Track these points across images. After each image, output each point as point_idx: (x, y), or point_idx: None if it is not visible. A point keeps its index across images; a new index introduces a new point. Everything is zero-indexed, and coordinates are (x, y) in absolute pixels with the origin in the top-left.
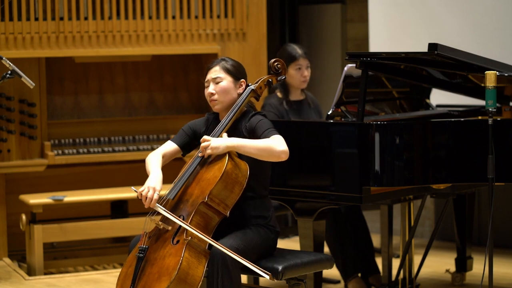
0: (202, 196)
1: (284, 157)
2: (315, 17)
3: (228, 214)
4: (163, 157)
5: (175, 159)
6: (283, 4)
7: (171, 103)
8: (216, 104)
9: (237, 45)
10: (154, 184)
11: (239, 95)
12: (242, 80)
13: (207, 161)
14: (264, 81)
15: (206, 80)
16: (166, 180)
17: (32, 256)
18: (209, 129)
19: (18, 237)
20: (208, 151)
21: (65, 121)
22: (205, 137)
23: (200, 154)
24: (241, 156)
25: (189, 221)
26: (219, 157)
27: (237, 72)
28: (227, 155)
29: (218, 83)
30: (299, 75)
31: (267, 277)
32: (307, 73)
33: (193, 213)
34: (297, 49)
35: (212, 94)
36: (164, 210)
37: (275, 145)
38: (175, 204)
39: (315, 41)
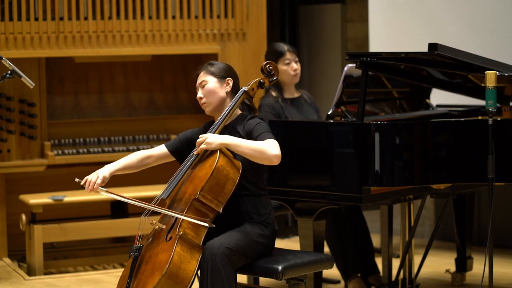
0: (194, 193)
1: (276, 162)
2: (315, 17)
3: (221, 211)
4: (149, 157)
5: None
6: (283, 4)
7: (171, 103)
8: (206, 107)
9: (237, 45)
10: (100, 171)
11: (228, 93)
12: (228, 78)
13: (200, 160)
14: (256, 83)
15: (196, 86)
16: (160, 180)
17: (32, 256)
18: (206, 131)
19: (18, 237)
20: (203, 146)
21: (65, 121)
22: (201, 135)
23: (195, 152)
24: (235, 155)
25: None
26: (211, 155)
27: (220, 72)
28: (218, 152)
29: (204, 86)
30: (289, 69)
31: (206, 224)
32: (296, 66)
33: (186, 210)
34: (282, 45)
35: (201, 98)
36: (108, 192)
37: (268, 148)
38: (169, 203)
39: (315, 41)
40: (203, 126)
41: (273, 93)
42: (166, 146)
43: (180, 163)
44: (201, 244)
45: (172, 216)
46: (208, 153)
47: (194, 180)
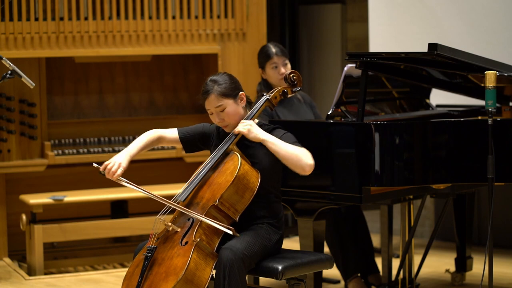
0: (213, 199)
1: (308, 171)
2: (315, 17)
3: (237, 219)
4: (161, 137)
5: (175, 158)
6: (283, 4)
7: (171, 103)
8: (229, 128)
9: (237, 45)
10: (120, 159)
11: (244, 108)
12: (241, 93)
13: (219, 165)
14: (279, 92)
15: (207, 108)
16: (165, 179)
17: (32, 256)
18: (220, 137)
19: (18, 237)
20: (243, 130)
21: (65, 121)
22: (245, 120)
23: (236, 131)
24: (253, 164)
25: (199, 223)
26: (231, 162)
27: (232, 90)
28: (239, 160)
29: (222, 110)
30: (276, 73)
31: (231, 232)
32: (284, 70)
33: (203, 215)
34: (271, 48)
35: (221, 121)
36: (129, 183)
37: (304, 156)
38: (185, 206)
39: (315, 41)
40: (217, 126)
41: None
42: (179, 132)
43: (186, 151)
44: (214, 251)
45: (192, 217)
46: (228, 158)
47: (213, 186)
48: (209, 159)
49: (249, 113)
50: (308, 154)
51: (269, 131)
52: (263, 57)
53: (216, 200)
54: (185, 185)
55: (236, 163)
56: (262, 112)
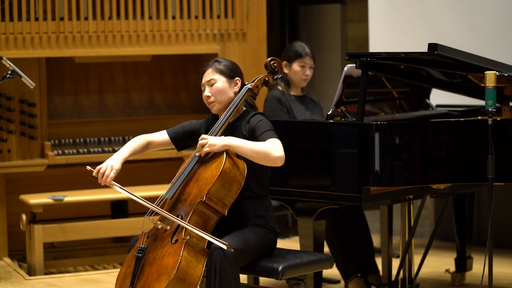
0: (200, 195)
1: (280, 163)
2: (315, 17)
3: (226, 213)
4: (149, 143)
5: (174, 158)
6: (283, 4)
7: (171, 103)
8: (214, 106)
9: (237, 45)
10: (112, 162)
11: (235, 93)
12: (237, 78)
13: (205, 160)
14: (260, 80)
15: (202, 84)
16: (164, 180)
17: (32, 256)
18: (208, 129)
19: (18, 237)
20: (206, 149)
21: (65, 121)
22: (203, 135)
23: (197, 154)
24: (239, 155)
25: (188, 220)
26: (217, 156)
27: (230, 71)
28: (224, 153)
29: (213, 85)
30: (302, 72)
31: (224, 246)
32: (309, 72)
33: (191, 212)
34: (305, 47)
35: (208, 97)
36: (122, 188)
37: (272, 150)
38: (173, 203)
39: (315, 41)
40: (206, 119)
41: (280, 87)
42: (168, 133)
43: (178, 150)
44: (205, 247)
45: (187, 229)
46: (213, 153)
47: (199, 181)
48: (192, 156)
49: (232, 102)
50: (276, 146)
51: (250, 117)
52: (295, 52)
53: (204, 196)
54: (172, 182)
55: (222, 156)
56: (277, 105)
